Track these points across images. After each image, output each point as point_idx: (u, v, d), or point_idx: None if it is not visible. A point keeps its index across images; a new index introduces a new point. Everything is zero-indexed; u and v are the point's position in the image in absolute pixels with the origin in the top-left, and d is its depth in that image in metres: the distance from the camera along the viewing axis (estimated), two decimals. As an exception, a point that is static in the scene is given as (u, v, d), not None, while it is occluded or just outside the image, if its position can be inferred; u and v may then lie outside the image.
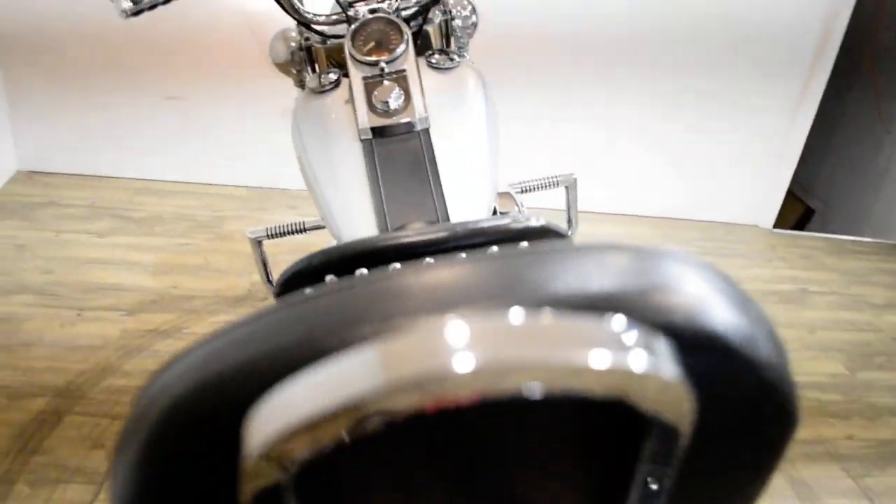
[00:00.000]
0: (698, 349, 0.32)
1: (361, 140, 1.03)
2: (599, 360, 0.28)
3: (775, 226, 3.15)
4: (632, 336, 0.30)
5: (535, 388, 0.28)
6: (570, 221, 1.58)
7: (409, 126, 1.03)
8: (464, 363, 0.27)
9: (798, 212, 4.01)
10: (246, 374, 0.31)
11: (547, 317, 0.30)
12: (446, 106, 1.11)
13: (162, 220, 2.46)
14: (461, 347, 0.28)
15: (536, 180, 1.51)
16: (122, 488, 0.33)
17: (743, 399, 0.35)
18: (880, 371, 2.26)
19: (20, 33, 2.41)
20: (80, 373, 1.79)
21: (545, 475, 0.38)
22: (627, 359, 0.29)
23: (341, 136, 1.08)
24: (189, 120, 2.62)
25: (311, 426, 0.28)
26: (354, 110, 1.04)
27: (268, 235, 1.58)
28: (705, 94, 2.82)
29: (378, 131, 1.03)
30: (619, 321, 0.30)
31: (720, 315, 0.33)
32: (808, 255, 2.91)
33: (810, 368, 2.21)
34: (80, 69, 2.49)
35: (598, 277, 0.33)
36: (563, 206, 1.55)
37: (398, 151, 1.03)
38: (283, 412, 0.29)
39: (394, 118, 1.03)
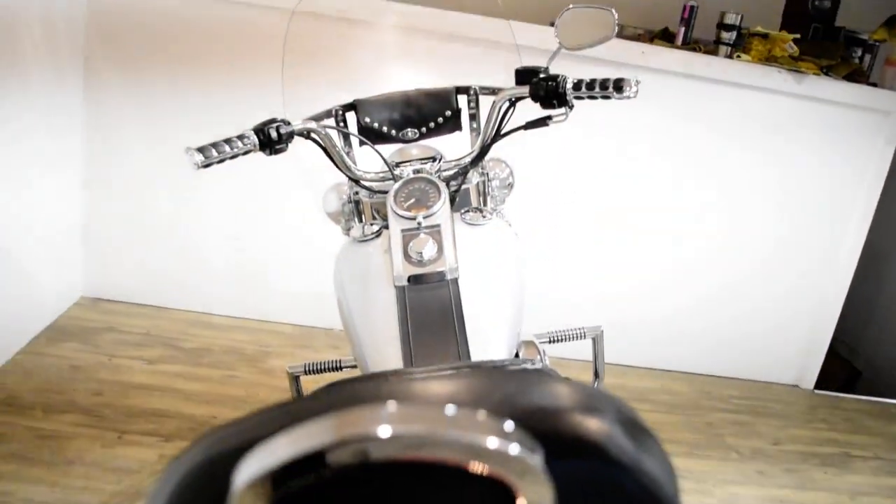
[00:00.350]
0: (580, 454, 0.41)
1: (396, 286, 1.13)
2: (478, 443, 0.37)
3: (819, 386, 3.10)
4: (512, 435, 0.40)
5: (436, 455, 0.37)
6: (596, 373, 1.62)
7: (441, 276, 1.12)
8: (383, 431, 0.36)
9: (844, 373, 3.94)
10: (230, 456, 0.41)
11: (460, 412, 0.38)
12: (476, 259, 1.21)
13: (211, 352, 2.57)
14: (385, 422, 0.37)
15: (562, 331, 1.55)
16: None
17: (629, 500, 0.42)
18: (928, 545, 2.16)
19: (105, 176, 2.66)
20: (113, 494, 1.84)
21: None
22: (503, 447, 0.39)
23: (378, 282, 1.18)
24: (245, 259, 2.79)
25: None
26: (391, 259, 1.15)
27: (305, 371, 1.66)
28: (744, 258, 2.90)
29: (412, 279, 1.12)
30: (508, 425, 0.41)
31: (609, 437, 0.43)
32: (851, 418, 2.85)
33: (851, 537, 2.13)
34: (152, 207, 2.72)
35: (516, 396, 0.43)
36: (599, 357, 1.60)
37: (429, 298, 1.12)
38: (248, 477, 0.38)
39: (427, 268, 1.13)
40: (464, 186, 1.42)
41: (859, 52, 2.94)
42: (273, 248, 2.79)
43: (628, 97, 1.16)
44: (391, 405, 0.39)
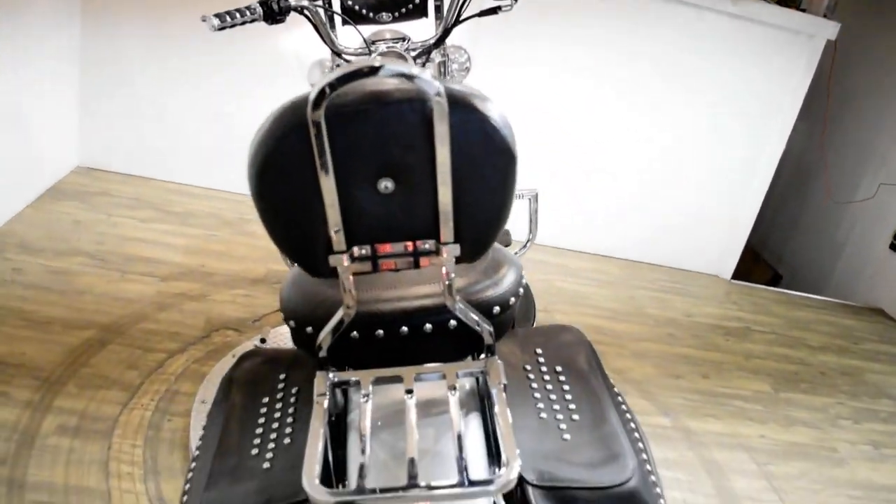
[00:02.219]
0: (465, 108, 0.74)
1: None
2: (414, 72, 0.70)
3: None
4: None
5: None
6: (531, 229, 1.96)
7: None
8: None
9: (767, 276, 4.39)
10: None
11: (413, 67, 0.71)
12: None
13: (195, 216, 2.88)
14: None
15: None
16: (256, 158, 0.76)
17: (492, 138, 0.75)
18: (803, 394, 2.60)
19: (100, 56, 2.90)
20: (121, 316, 2.17)
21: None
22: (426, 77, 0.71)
23: None
24: (226, 136, 3.06)
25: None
26: None
27: None
28: (675, 162, 3.25)
29: None
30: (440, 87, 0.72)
31: (491, 110, 0.75)
32: (759, 304, 3.27)
33: (738, 385, 2.56)
34: (143, 86, 2.96)
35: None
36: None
37: None
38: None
39: None
40: (427, 64, 1.71)
41: (794, -22, 3.24)
42: (253, 127, 3.05)
43: None
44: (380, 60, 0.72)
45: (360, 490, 0.71)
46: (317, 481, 0.72)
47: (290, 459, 0.87)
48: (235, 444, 0.93)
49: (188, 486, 0.91)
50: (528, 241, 1.96)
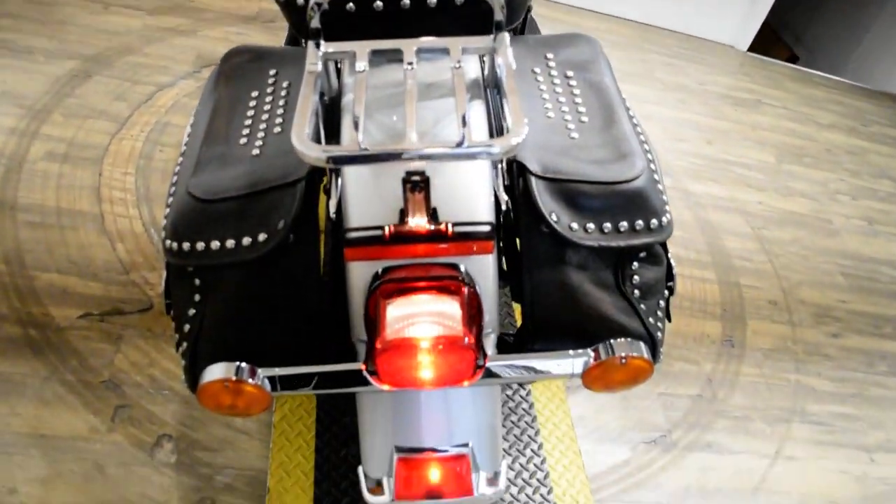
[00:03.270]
0: None
1: None
2: None
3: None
4: None
5: None
6: None
7: None
8: None
9: (783, 57, 4.21)
10: None
11: None
12: None
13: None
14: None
15: None
16: None
17: None
18: (805, 167, 2.56)
19: None
20: (106, 48, 2.05)
21: None
22: None
23: None
24: None
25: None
26: None
27: None
28: None
29: None
30: None
31: None
32: (773, 78, 3.14)
33: (742, 153, 2.51)
34: None
35: None
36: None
37: None
38: None
39: None
40: None
41: None
42: None
43: None
44: None
45: (353, 149, 0.66)
46: (306, 135, 0.67)
47: (279, 146, 0.83)
48: (223, 134, 0.88)
49: (176, 177, 0.88)
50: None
